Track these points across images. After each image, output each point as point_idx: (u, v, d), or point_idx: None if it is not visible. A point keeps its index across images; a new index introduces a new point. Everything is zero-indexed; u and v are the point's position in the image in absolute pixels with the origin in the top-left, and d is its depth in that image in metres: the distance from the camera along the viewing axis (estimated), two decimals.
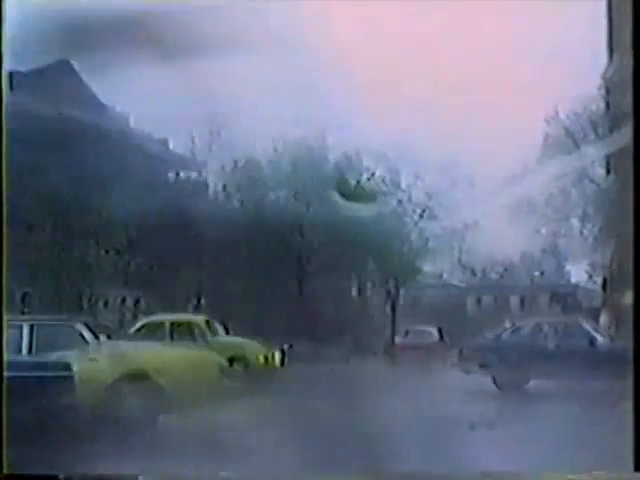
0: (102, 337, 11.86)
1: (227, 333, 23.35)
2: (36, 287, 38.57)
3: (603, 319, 28.50)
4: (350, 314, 50.72)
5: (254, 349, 22.06)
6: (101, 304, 44.70)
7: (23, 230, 35.25)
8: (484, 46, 52.27)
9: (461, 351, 21.26)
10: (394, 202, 49.18)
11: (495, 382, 19.61)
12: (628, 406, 6.25)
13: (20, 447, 6.99)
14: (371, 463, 9.44)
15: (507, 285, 57.49)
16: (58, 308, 34.81)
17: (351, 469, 8.95)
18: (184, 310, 41.03)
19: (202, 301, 44.83)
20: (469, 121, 54.93)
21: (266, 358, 22.01)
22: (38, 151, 35.02)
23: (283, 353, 24.83)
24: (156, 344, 15.14)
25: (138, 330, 21.67)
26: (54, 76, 45.46)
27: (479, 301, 58.14)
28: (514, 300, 57.75)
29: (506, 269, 57.91)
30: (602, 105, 37.44)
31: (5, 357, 8.59)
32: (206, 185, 48.01)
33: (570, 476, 7.49)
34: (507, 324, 38.09)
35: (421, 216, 49.30)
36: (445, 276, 54.43)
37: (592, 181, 42.31)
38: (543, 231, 44.25)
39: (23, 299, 36.67)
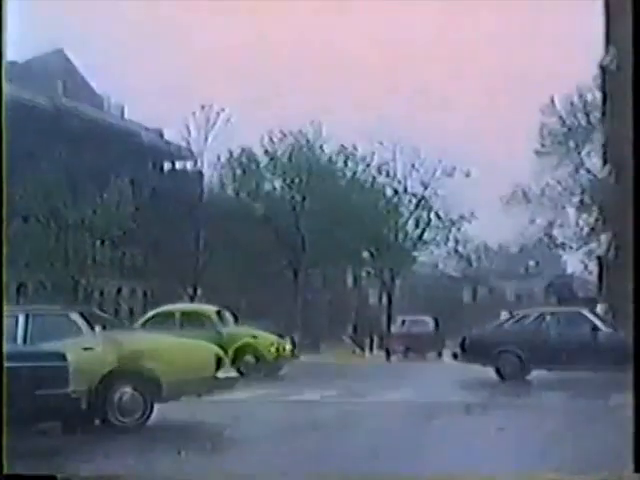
0: (97, 327, 11.77)
1: (236, 322, 23.17)
2: (31, 277, 38.54)
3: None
4: (346, 304, 50.76)
5: (265, 340, 21.97)
6: (97, 294, 44.68)
7: (18, 221, 35.18)
8: (481, 36, 52.23)
9: (463, 340, 21.18)
10: (390, 192, 49.19)
11: (498, 372, 19.59)
12: (628, 397, 6.21)
13: (14, 437, 6.94)
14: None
15: (503, 275, 57.58)
16: (53, 298, 34.77)
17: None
18: (180, 300, 41.00)
19: (198, 291, 44.82)
20: (465, 111, 54.91)
21: (277, 349, 21.92)
22: (33, 141, 34.94)
23: (293, 344, 24.75)
24: (151, 334, 15.08)
25: (148, 320, 21.60)
26: (49, 67, 45.44)
27: (475, 291, 58.21)
28: (510, 290, 57.83)
29: (502, 259, 58.03)
30: (598, 95, 37.39)
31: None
32: (201, 175, 47.95)
33: (570, 477, 7.45)
34: (503, 313, 38.15)
35: (417, 206, 49.28)
36: (441, 266, 54.50)
37: (588, 171, 42.32)
38: (539, 221, 44.26)
39: (18, 289, 36.61)
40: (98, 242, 44.79)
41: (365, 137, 46.70)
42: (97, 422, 11.28)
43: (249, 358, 21.11)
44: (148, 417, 11.24)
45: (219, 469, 8.86)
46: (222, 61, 51.41)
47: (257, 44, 54.31)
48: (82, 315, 11.88)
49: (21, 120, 28.54)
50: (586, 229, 42.34)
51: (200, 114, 44.62)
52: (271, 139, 46.53)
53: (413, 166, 48.60)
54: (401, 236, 49.19)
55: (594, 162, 40.73)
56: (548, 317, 20.98)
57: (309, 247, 45.46)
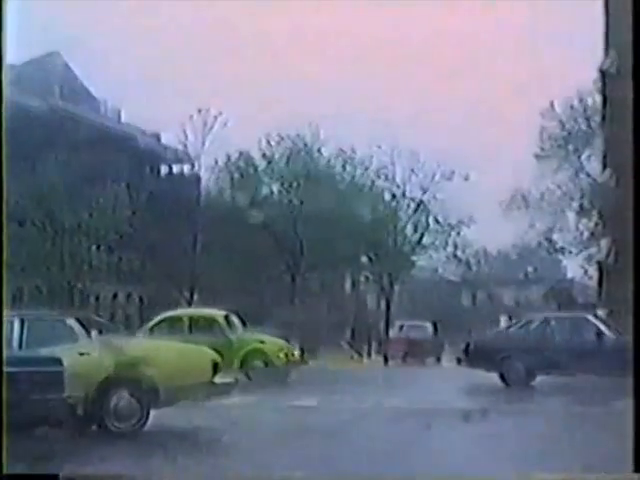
0: (93, 332, 11.72)
1: (244, 327, 23.06)
2: (27, 282, 38.38)
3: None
4: (344, 309, 50.63)
5: (274, 345, 21.89)
6: (93, 299, 44.57)
7: (14, 225, 35.04)
8: (480, 40, 52.14)
9: (467, 345, 21.09)
10: (388, 196, 49.10)
11: (502, 377, 19.50)
12: (629, 403, 6.11)
13: (10, 441, 6.89)
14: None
15: (502, 279, 57.50)
16: (49, 303, 34.65)
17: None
18: (177, 304, 40.77)
19: (195, 295, 44.70)
20: (465, 115, 54.79)
21: (286, 354, 21.84)
22: (29, 145, 34.81)
23: (302, 349, 24.67)
24: (147, 339, 15.01)
25: (156, 325, 21.52)
26: (45, 70, 45.33)
27: (474, 295, 58.12)
28: (509, 294, 57.73)
29: (501, 263, 57.97)
30: (598, 99, 37.31)
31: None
32: (199, 179, 47.86)
33: (570, 476, 7.39)
34: (502, 318, 38.01)
35: (415, 210, 49.18)
36: (440, 270, 54.36)
37: (588, 175, 42.22)
38: (538, 225, 44.15)
39: (14, 294, 36.48)
40: (94, 246, 44.68)
41: (364, 141, 46.63)
42: (93, 427, 11.22)
43: (258, 363, 21.06)
44: (144, 423, 11.18)
45: (214, 474, 8.82)
46: (219, 65, 51.33)
47: (254, 48, 54.22)
48: (78, 320, 11.82)
49: (17, 123, 28.39)
50: (586, 234, 42.24)
51: (197, 118, 44.54)
52: (269, 143, 46.47)
53: (412, 170, 48.52)
54: (400, 241, 49.11)
55: (594, 166, 40.64)
56: (553, 322, 20.91)
57: (307, 251, 45.35)
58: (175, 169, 51.08)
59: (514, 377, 19.33)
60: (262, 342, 21.75)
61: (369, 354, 40.96)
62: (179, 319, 21.93)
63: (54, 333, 11.41)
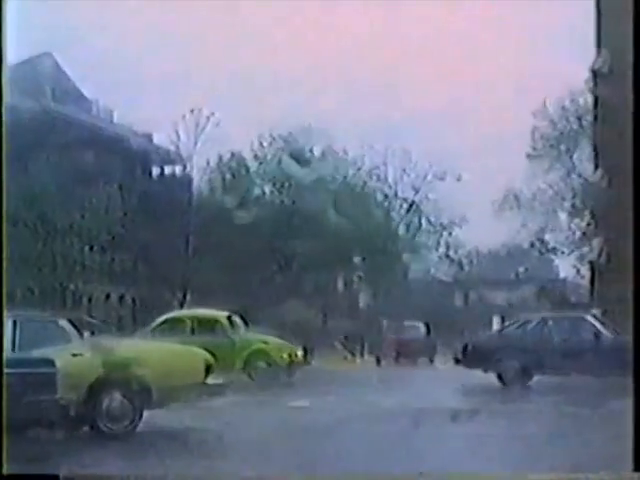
0: (86, 333, 11.72)
1: (247, 328, 23.01)
2: (19, 283, 38.30)
3: None
4: (337, 309, 50.63)
5: (277, 346, 21.86)
6: (85, 300, 44.49)
7: (7, 226, 34.97)
8: (472, 41, 52.20)
9: (465, 345, 21.10)
10: (380, 196, 49.17)
11: (500, 377, 19.50)
12: (626, 403, 6.13)
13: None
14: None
15: (494, 279, 57.52)
16: (41, 304, 34.58)
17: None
18: (169, 305, 40.70)
19: (187, 296, 44.67)
20: (456, 115, 54.83)
21: (289, 355, 21.82)
22: (21, 145, 34.74)
23: (305, 350, 24.64)
24: (139, 340, 15.02)
25: (158, 326, 21.50)
26: (37, 69, 45.23)
27: (466, 295, 58.13)
28: (501, 294, 57.76)
29: (493, 263, 57.96)
30: (590, 98, 37.38)
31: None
32: (191, 179, 47.85)
33: (570, 477, 7.40)
34: (494, 319, 38.01)
35: (408, 211, 49.27)
36: (432, 271, 54.45)
37: (580, 175, 42.29)
38: (530, 225, 44.22)
39: (6, 296, 36.36)
40: (87, 247, 44.61)
41: (356, 141, 46.70)
42: (86, 429, 11.22)
43: (261, 364, 21.03)
44: (137, 424, 11.19)
45: (207, 474, 8.84)
46: (211, 65, 51.29)
47: (246, 48, 54.18)
48: (70, 321, 11.81)
49: (9, 124, 28.34)
50: (578, 234, 42.31)
51: (189, 118, 44.56)
52: (261, 143, 46.53)
53: (404, 170, 48.62)
54: (392, 241, 49.17)
55: (586, 166, 40.70)
56: (550, 322, 20.92)
57: (299, 252, 45.38)
58: (167, 170, 51.04)
59: (511, 377, 19.34)
60: (265, 343, 21.72)
61: (362, 354, 40.97)
62: (181, 320, 21.90)
63: (46, 334, 11.39)
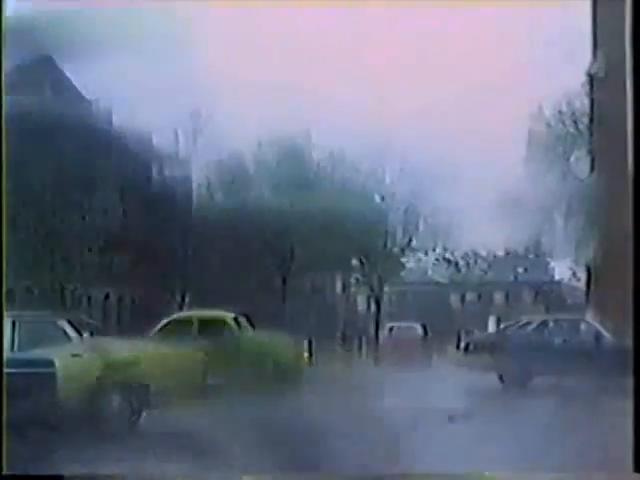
0: (85, 334, 11.81)
1: (253, 329, 23.02)
2: (19, 284, 38.40)
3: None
4: (334, 310, 50.75)
5: (283, 347, 21.88)
6: (84, 300, 44.54)
7: (6, 227, 35.05)
8: (468, 44, 52.32)
9: (467, 346, 21.17)
10: (378, 198, 49.25)
11: (501, 378, 19.54)
12: (629, 405, 6.22)
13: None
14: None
15: (491, 281, 57.62)
16: (41, 305, 34.65)
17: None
18: (168, 306, 40.82)
19: (186, 298, 44.75)
20: (453, 118, 54.96)
21: (296, 356, 21.85)
22: (20, 147, 34.82)
23: (310, 352, 24.71)
24: (139, 341, 15.07)
25: (165, 326, 21.55)
26: (37, 72, 45.27)
27: (463, 297, 58.28)
28: (498, 296, 57.87)
29: (490, 265, 58.06)
30: (586, 102, 37.49)
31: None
32: (190, 181, 47.91)
33: (570, 477, 7.45)
34: (491, 320, 38.16)
35: (405, 212, 49.36)
36: (429, 272, 54.54)
37: (576, 178, 42.38)
38: (527, 227, 44.31)
39: (6, 297, 36.44)
40: (86, 248, 44.68)
41: (354, 144, 46.75)
42: (85, 429, 11.27)
43: (268, 365, 21.06)
44: (136, 424, 11.26)
45: (206, 474, 8.89)
46: (211, 67, 51.35)
47: (246, 50, 54.28)
48: (70, 322, 11.90)
49: (7, 125, 28.45)
50: (574, 236, 42.38)
51: (189, 120, 44.66)
52: (259, 145, 46.61)
53: (401, 172, 48.67)
54: (390, 243, 49.27)
55: (582, 169, 40.80)
56: (551, 324, 20.96)
57: (298, 254, 45.47)
58: (166, 171, 51.07)
59: (511, 378, 19.38)
60: (273, 344, 21.74)
61: (360, 355, 41.09)
62: (188, 321, 21.90)
63: (46, 335, 11.45)
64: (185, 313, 23.48)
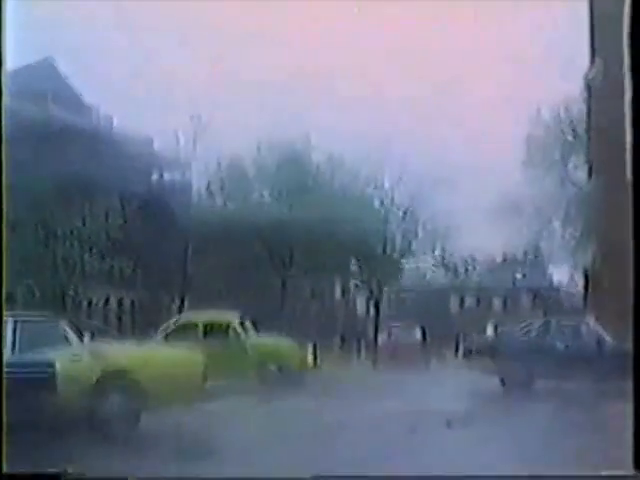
0: (86, 336, 11.86)
1: (257, 332, 23.05)
2: (20, 286, 38.48)
3: None
4: (334, 314, 50.80)
5: (288, 349, 21.92)
6: (85, 303, 44.60)
7: (8, 230, 35.08)
8: (467, 48, 52.40)
9: (469, 349, 21.22)
10: (377, 203, 49.31)
11: (502, 381, 19.57)
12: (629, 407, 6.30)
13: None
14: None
15: (489, 286, 57.67)
16: (41, 307, 34.71)
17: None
18: (168, 310, 40.97)
19: (186, 301, 44.81)
20: (452, 122, 55.06)
21: (301, 359, 21.89)
22: (21, 151, 34.89)
23: (315, 354, 24.77)
24: (138, 344, 15.13)
25: (171, 329, 21.62)
26: (37, 75, 45.39)
27: (462, 301, 58.35)
28: (496, 301, 57.93)
29: (488, 270, 58.11)
30: (584, 108, 37.59)
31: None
32: (190, 185, 47.99)
33: (570, 477, 7.50)
34: (489, 324, 38.21)
35: (404, 217, 49.42)
36: (428, 277, 54.58)
37: (574, 183, 42.50)
38: (525, 232, 44.41)
39: (7, 297, 36.47)
40: (87, 252, 44.75)
41: (353, 148, 46.83)
42: (85, 431, 11.33)
43: (272, 368, 21.11)
44: (135, 426, 11.32)
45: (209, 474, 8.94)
46: (211, 71, 51.44)
47: (245, 54, 54.38)
48: (71, 324, 11.96)
49: (8, 129, 28.54)
50: (572, 241, 42.48)
51: (189, 124, 44.74)
52: (259, 149, 46.69)
53: (400, 177, 48.76)
54: (388, 247, 49.33)
55: (580, 174, 40.92)
56: (553, 327, 20.97)
57: (297, 258, 45.54)
58: (166, 175, 51.16)
59: (513, 381, 19.39)
60: (278, 347, 21.78)
61: (359, 358, 41.13)
62: (193, 323, 21.95)
63: (47, 337, 11.49)
64: (191, 316, 23.51)
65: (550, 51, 39.34)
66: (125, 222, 43.34)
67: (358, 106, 51.94)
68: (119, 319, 46.21)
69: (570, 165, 43.21)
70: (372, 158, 47.35)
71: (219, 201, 47.90)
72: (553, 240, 44.21)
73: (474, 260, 56.09)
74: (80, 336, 11.66)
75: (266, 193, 47.98)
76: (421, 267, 52.50)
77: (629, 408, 6.43)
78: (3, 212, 6.55)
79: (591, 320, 21.79)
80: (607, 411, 13.92)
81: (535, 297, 51.40)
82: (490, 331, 33.07)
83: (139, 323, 43.23)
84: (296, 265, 45.79)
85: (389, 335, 39.80)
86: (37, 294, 39.66)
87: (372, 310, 50.30)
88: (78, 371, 11.12)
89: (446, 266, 51.17)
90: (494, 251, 54.24)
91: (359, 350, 41.91)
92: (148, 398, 11.27)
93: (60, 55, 47.03)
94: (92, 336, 11.98)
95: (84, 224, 41.82)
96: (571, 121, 42.47)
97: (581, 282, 38.56)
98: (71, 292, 42.67)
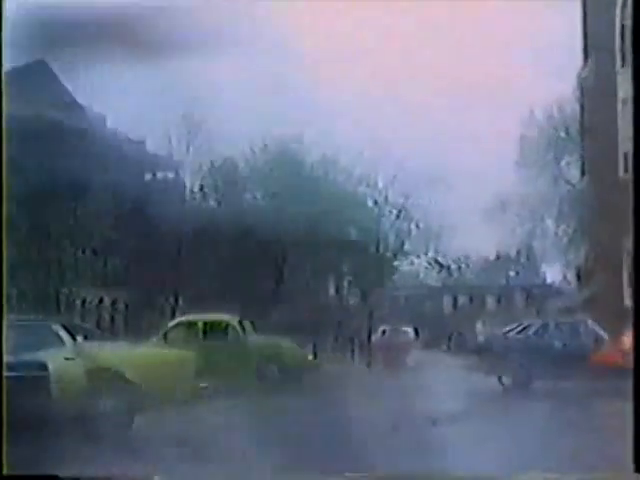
0: (79, 337, 11.85)
1: (255, 332, 23.04)
2: (12, 287, 38.43)
3: None
4: (327, 314, 50.78)
5: (288, 349, 21.93)
6: (78, 304, 44.57)
7: (6, 229, 35.02)
8: (461, 49, 52.53)
9: (467, 349, 21.23)
10: (371, 202, 49.33)
11: (500, 381, 19.56)
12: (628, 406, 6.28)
13: None
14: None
15: (483, 285, 57.74)
16: (34, 308, 34.68)
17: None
18: (161, 311, 40.94)
19: (179, 301, 44.78)
20: (446, 122, 55.16)
21: (301, 359, 21.88)
22: (14, 151, 34.85)
23: (315, 354, 24.78)
24: (131, 345, 15.13)
25: (170, 330, 21.63)
26: (30, 76, 45.31)
27: (455, 301, 58.41)
28: (490, 300, 57.99)
29: (482, 269, 58.20)
30: (577, 107, 37.65)
31: None
32: (183, 185, 47.95)
33: (570, 476, 7.50)
34: (482, 322, 38.25)
35: (397, 216, 49.44)
36: (421, 276, 54.64)
37: (567, 182, 42.57)
38: (518, 231, 44.48)
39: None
40: (80, 252, 44.71)
41: (347, 148, 46.85)
42: (78, 432, 11.34)
43: (272, 368, 21.12)
44: (128, 427, 11.32)
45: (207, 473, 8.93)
46: (204, 71, 51.42)
47: (237, 53, 54.34)
48: (64, 326, 11.96)
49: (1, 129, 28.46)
50: (565, 240, 42.56)
51: (182, 124, 44.71)
52: (253, 149, 46.67)
53: (394, 177, 48.78)
54: (382, 246, 49.33)
55: (573, 173, 40.98)
56: (552, 327, 20.97)
57: (290, 258, 45.52)
58: (159, 175, 51.12)
59: (512, 381, 19.37)
60: (277, 347, 21.80)
61: (352, 359, 41.13)
62: (193, 324, 21.97)
63: (39, 338, 11.48)
64: (190, 316, 23.56)
65: (543, 51, 39.43)
66: (118, 221, 43.31)
67: (352, 106, 51.92)
68: (112, 319, 46.18)
69: (563, 163, 43.29)
70: (366, 158, 47.43)
71: (212, 201, 47.88)
72: (546, 238, 44.29)
73: (467, 259, 56.18)
74: (73, 338, 11.65)
75: (259, 193, 47.97)
76: (415, 266, 52.55)
77: (628, 407, 6.43)
78: (3, 212, 6.55)
79: (589, 319, 21.76)
80: (605, 409, 13.90)
81: (528, 296, 51.49)
82: (484, 330, 33.12)
83: (132, 323, 43.22)
84: (289, 265, 45.78)
85: (382, 335, 39.78)
86: (30, 296, 39.60)
87: (365, 309, 50.30)
88: (71, 372, 11.12)
89: (440, 265, 51.20)
90: (487, 250, 54.34)
91: (353, 350, 41.89)
92: (141, 398, 11.26)
93: (54, 56, 46.93)
94: (85, 337, 11.97)
95: (77, 224, 41.78)
96: (564, 120, 42.52)
97: (574, 280, 38.65)
98: (64, 293, 42.64)
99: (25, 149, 38.91)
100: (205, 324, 21.86)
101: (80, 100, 49.78)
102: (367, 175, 48.54)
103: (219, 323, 22.05)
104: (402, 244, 49.61)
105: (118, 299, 48.52)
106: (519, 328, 21.50)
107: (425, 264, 51.43)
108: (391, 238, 49.56)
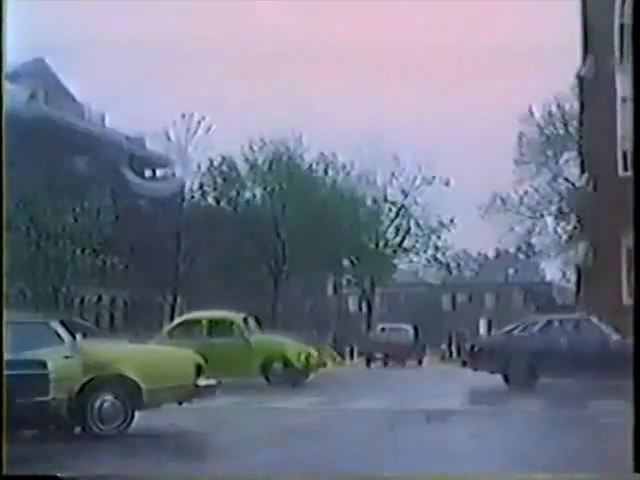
0: (78, 335, 11.80)
1: (261, 330, 23.03)
2: (12, 285, 38.41)
3: None
4: (326, 312, 50.84)
5: (293, 347, 21.89)
6: (77, 302, 44.59)
7: (6, 229, 35.01)
8: (460, 47, 52.53)
9: (472, 347, 21.20)
10: (370, 200, 49.36)
11: (506, 379, 19.55)
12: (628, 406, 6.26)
13: None
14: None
15: (482, 282, 57.79)
16: (34, 306, 34.71)
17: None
18: (160, 308, 41.00)
19: (178, 299, 44.82)
20: (445, 121, 55.16)
21: (306, 357, 21.84)
22: (13, 150, 34.82)
23: (320, 353, 24.72)
24: (130, 343, 15.10)
25: (174, 328, 21.63)
26: (29, 75, 45.34)
27: (454, 298, 58.46)
28: (489, 297, 58.02)
29: (481, 266, 58.30)
30: (576, 104, 37.61)
31: None
32: (182, 183, 47.97)
33: (570, 476, 7.48)
34: (481, 321, 38.25)
35: (397, 214, 49.48)
36: (420, 274, 54.67)
37: (566, 179, 42.58)
38: (517, 229, 44.50)
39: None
40: (79, 250, 44.73)
41: (345, 146, 46.92)
42: (77, 430, 11.32)
43: (278, 366, 21.10)
44: (128, 425, 11.30)
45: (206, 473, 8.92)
46: (203, 70, 51.53)
47: (237, 54, 54.40)
48: (63, 323, 11.92)
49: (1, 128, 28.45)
50: (564, 237, 42.57)
51: (181, 123, 44.74)
52: (251, 147, 46.70)
53: (393, 175, 48.83)
54: (381, 244, 49.37)
55: (572, 171, 40.98)
56: (556, 324, 20.94)
57: (289, 255, 45.54)
58: (159, 173, 51.17)
59: (517, 379, 19.35)
60: (282, 345, 21.79)
61: (351, 357, 41.14)
62: (198, 322, 21.96)
63: (39, 336, 11.44)
64: (195, 314, 23.54)
65: (543, 49, 39.42)
66: (117, 219, 43.32)
67: (350, 105, 51.94)
68: (111, 317, 46.22)
69: (562, 161, 43.31)
70: (365, 156, 47.48)
71: (211, 199, 47.91)
72: (545, 236, 44.32)
73: (466, 257, 56.24)
74: (72, 335, 11.61)
75: (258, 191, 48.00)
76: (414, 264, 52.59)
77: (628, 405, 6.41)
78: (3, 212, 6.53)
79: (595, 316, 21.70)
80: (607, 408, 13.87)
81: (527, 293, 51.53)
82: (482, 327, 33.14)
83: (131, 321, 43.23)
84: (288, 263, 45.79)
85: (382, 331, 39.73)
86: (29, 294, 39.62)
87: (364, 307, 50.36)
88: (70, 370, 11.09)
89: (439, 263, 51.24)
90: (486, 247, 54.45)
91: (352, 348, 41.90)
92: (141, 396, 11.24)
93: (53, 55, 46.97)
94: (84, 335, 11.92)
95: (76, 222, 41.79)
96: (563, 117, 42.53)
97: (573, 277, 38.61)
98: (63, 291, 42.66)
99: (24, 147, 38.93)
100: (210, 322, 21.87)
101: (79, 98, 49.82)
102: (366, 173, 48.65)
103: (224, 321, 22.04)
104: (401, 242, 49.68)
105: (117, 297, 48.58)
106: (522, 326, 21.45)
107: (424, 262, 51.50)
108: (390, 236, 49.65)
